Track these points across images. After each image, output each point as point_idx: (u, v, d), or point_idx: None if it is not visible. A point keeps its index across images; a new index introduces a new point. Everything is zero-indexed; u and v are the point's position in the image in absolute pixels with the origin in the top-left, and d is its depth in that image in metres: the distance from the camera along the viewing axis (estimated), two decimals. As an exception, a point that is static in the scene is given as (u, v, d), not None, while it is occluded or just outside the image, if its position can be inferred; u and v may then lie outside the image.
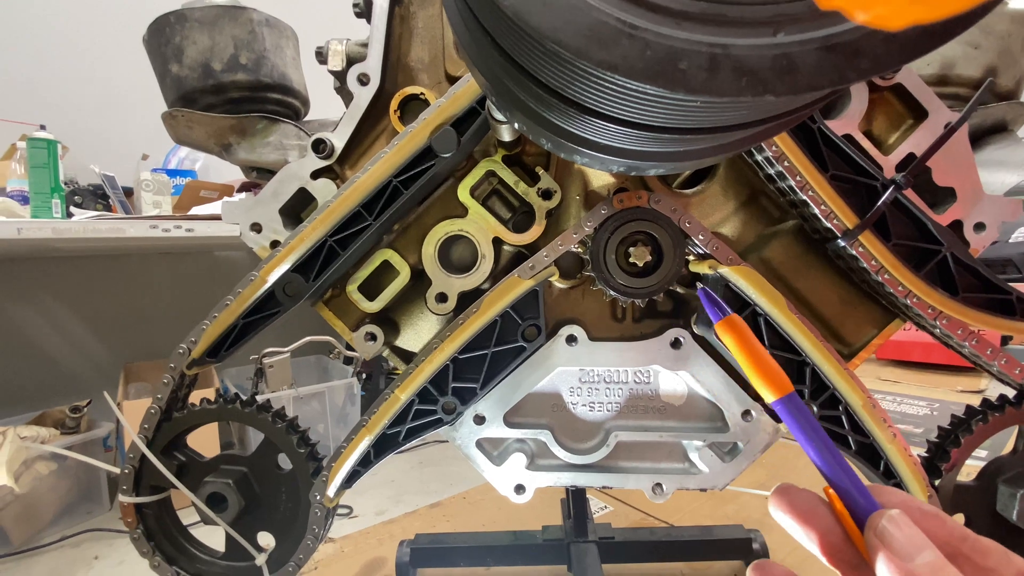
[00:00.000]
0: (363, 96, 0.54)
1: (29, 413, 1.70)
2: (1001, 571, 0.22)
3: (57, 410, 1.69)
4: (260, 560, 0.53)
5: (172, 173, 2.15)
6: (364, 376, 2.18)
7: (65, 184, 1.70)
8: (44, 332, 2.00)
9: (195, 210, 1.90)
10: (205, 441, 0.55)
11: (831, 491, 0.25)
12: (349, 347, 2.44)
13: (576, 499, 1.28)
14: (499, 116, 0.41)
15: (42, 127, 1.65)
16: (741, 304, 0.49)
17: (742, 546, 1.23)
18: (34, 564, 1.41)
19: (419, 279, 0.58)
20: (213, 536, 0.60)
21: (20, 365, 1.94)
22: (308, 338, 1.95)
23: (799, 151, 0.48)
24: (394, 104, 0.54)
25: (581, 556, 1.17)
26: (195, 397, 0.55)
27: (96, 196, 2.00)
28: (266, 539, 0.56)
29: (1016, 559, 0.22)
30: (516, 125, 0.35)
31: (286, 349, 1.97)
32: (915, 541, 0.22)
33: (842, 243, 0.48)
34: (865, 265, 0.48)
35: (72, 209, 1.74)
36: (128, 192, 2.05)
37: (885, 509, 0.23)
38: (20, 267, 1.95)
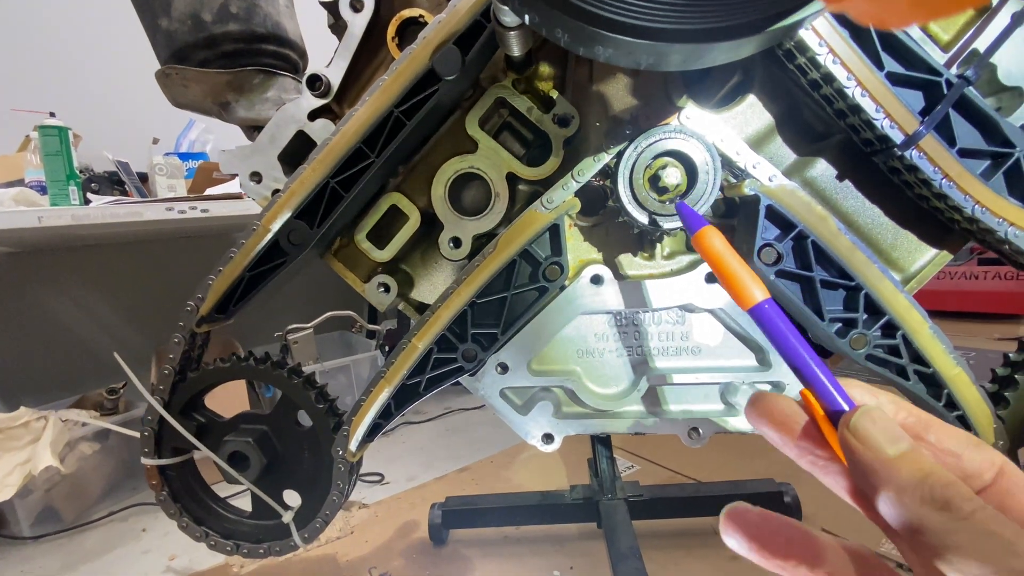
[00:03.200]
0: (358, 23, 0.49)
1: (68, 398, 1.75)
2: (964, 455, 0.21)
3: (95, 393, 1.74)
4: (287, 517, 0.52)
5: (184, 156, 2.14)
6: (387, 349, 2.20)
7: (81, 172, 1.70)
8: (76, 319, 2.05)
9: (209, 191, 1.90)
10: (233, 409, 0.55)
11: (807, 393, 0.24)
12: (371, 321, 2.46)
13: (603, 458, 1.26)
14: (506, 19, 0.36)
15: (52, 114, 1.65)
16: (785, 227, 0.44)
17: (773, 499, 1.20)
18: (86, 538, 1.47)
19: (430, 225, 0.54)
20: (241, 500, 0.60)
21: (55, 352, 2.00)
22: (330, 313, 1.95)
23: (850, 48, 0.42)
24: (391, 30, 0.50)
25: (611, 513, 1.17)
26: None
27: (112, 183, 2.01)
28: (292, 497, 0.55)
29: (991, 451, 0.21)
30: (527, 18, 0.31)
31: (309, 325, 1.98)
32: (889, 434, 0.21)
33: (900, 151, 0.43)
34: (927, 175, 0.43)
35: (89, 196, 1.75)
36: (143, 177, 2.05)
37: (860, 406, 0.23)
38: (48, 258, 1.99)
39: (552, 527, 1.28)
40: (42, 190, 1.64)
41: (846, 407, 0.23)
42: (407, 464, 1.75)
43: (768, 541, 0.23)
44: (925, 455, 0.20)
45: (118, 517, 1.56)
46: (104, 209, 1.54)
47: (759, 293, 0.27)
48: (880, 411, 0.22)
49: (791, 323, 0.26)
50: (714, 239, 0.30)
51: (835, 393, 0.24)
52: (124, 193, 1.96)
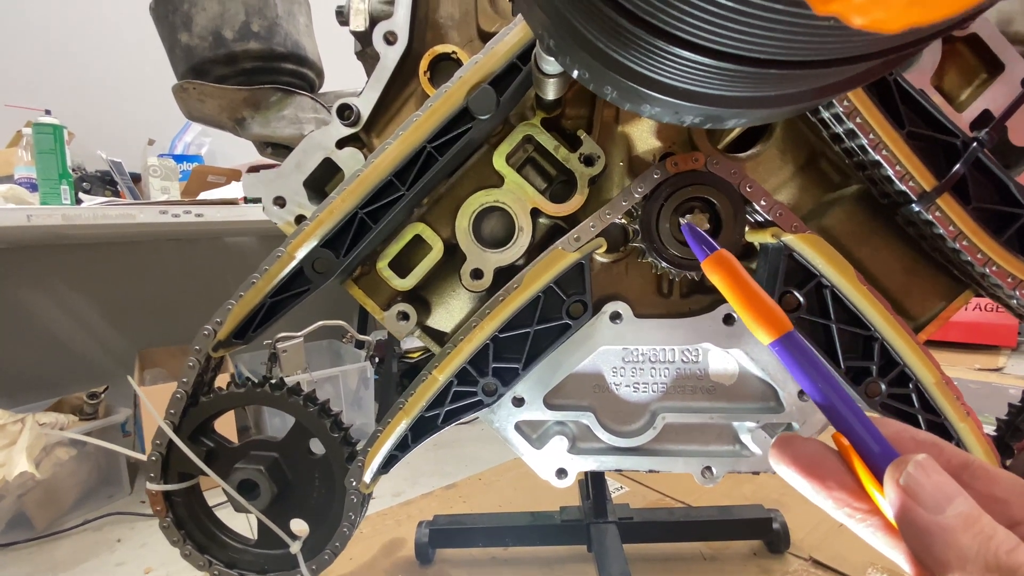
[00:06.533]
0: (390, 56, 0.49)
1: (47, 400, 1.70)
2: (1013, 502, 0.20)
3: (75, 396, 1.69)
4: (295, 548, 0.51)
5: (179, 159, 2.12)
6: (377, 360, 2.17)
7: (73, 171, 1.67)
8: (58, 320, 2.00)
9: (203, 195, 1.87)
10: (223, 426, 0.53)
11: (840, 437, 0.22)
12: (361, 331, 2.43)
13: (594, 480, 1.26)
14: (548, 68, 0.37)
15: (47, 112, 1.62)
16: (805, 275, 0.45)
17: (762, 526, 1.21)
18: (57, 548, 1.42)
19: (451, 255, 0.55)
20: (244, 523, 0.58)
21: (36, 353, 1.94)
22: (321, 322, 1.93)
23: (873, 106, 0.43)
24: (424, 64, 0.50)
25: (601, 536, 1.16)
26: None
27: (104, 182, 1.97)
28: (299, 526, 0.54)
29: None
30: (576, 73, 0.31)
31: (299, 334, 1.95)
32: (945, 490, 0.19)
33: (917, 207, 0.44)
34: (941, 231, 0.45)
35: (81, 196, 1.72)
36: (136, 178, 2.02)
37: (907, 456, 0.20)
38: (33, 255, 1.94)
39: (541, 548, 1.27)
40: (32, 188, 1.61)
41: (883, 453, 0.21)
42: (393, 479, 1.72)
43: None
44: (983, 514, 0.19)
45: (92, 526, 1.50)
46: (96, 210, 1.51)
47: (781, 325, 0.24)
48: (930, 461, 0.20)
49: (818, 359, 0.24)
50: (727, 265, 0.27)
51: (872, 439, 0.21)
52: (116, 194, 1.92)
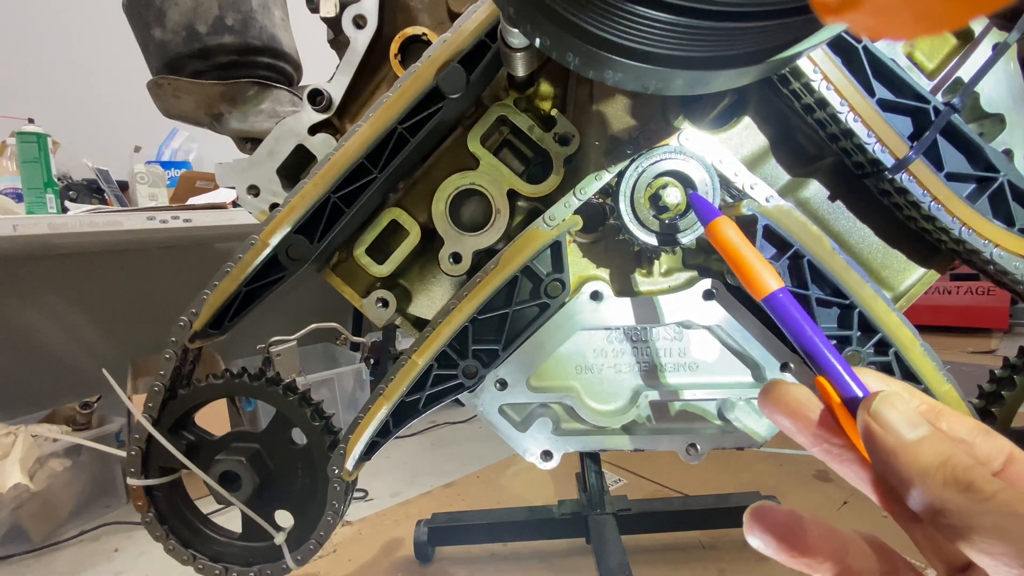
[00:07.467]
0: (360, 40, 0.49)
1: (39, 412, 1.69)
2: (977, 443, 0.22)
3: (67, 407, 1.68)
4: (279, 539, 0.50)
5: (166, 165, 2.11)
6: (372, 362, 2.16)
7: (59, 179, 1.66)
8: (49, 331, 1.99)
9: (192, 200, 1.86)
10: (216, 428, 0.53)
11: (823, 380, 0.24)
12: (356, 333, 2.42)
13: (592, 472, 1.26)
14: (514, 40, 0.36)
15: (30, 120, 1.61)
16: (782, 246, 0.45)
17: (760, 513, 1.21)
18: (55, 559, 1.41)
19: (430, 240, 0.54)
20: (233, 520, 0.58)
21: (27, 365, 1.93)
22: (314, 325, 1.92)
23: (843, 75, 0.43)
24: (394, 47, 0.50)
25: (600, 528, 1.16)
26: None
27: (91, 191, 1.96)
28: (284, 518, 0.54)
29: (1000, 438, 0.21)
30: (538, 42, 0.31)
31: (292, 337, 1.94)
32: (910, 417, 0.21)
33: (890, 175, 0.44)
34: (916, 198, 0.45)
35: (67, 204, 1.71)
36: (123, 186, 2.01)
37: (879, 391, 0.22)
38: (21, 267, 1.93)
39: (540, 543, 1.27)
40: (18, 197, 1.60)
41: (861, 394, 0.23)
42: (391, 479, 1.72)
43: (796, 540, 0.23)
44: (945, 439, 0.20)
45: (89, 536, 1.50)
46: (82, 218, 1.50)
47: (774, 282, 0.27)
48: (899, 396, 0.22)
49: (805, 312, 0.26)
50: (728, 229, 0.30)
51: (851, 381, 0.24)
52: (103, 202, 1.91)
